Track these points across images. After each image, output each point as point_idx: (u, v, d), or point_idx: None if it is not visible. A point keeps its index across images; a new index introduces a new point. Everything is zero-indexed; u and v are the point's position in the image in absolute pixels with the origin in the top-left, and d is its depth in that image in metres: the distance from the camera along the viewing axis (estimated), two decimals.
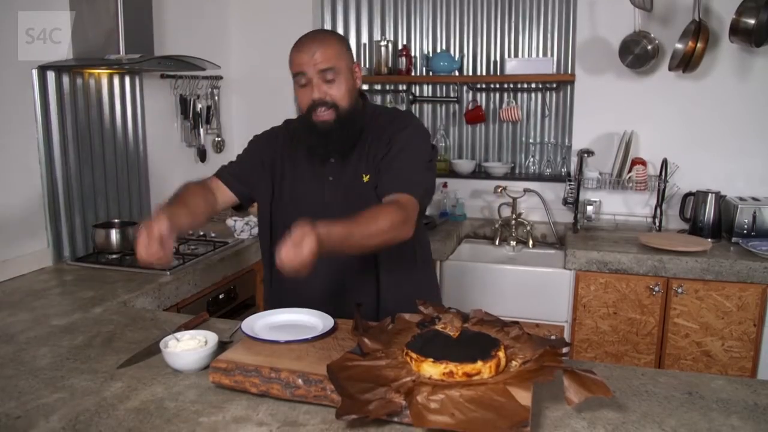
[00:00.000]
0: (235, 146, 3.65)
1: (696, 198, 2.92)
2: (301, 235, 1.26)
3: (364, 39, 3.59)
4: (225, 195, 1.78)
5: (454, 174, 3.42)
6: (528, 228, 3.18)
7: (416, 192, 1.57)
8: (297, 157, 1.72)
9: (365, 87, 3.62)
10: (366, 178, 1.63)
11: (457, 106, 3.49)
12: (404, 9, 3.52)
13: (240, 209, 1.86)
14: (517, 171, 3.44)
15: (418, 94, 3.54)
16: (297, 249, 1.25)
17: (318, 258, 1.28)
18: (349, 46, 1.65)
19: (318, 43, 1.55)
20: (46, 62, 2.27)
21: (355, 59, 1.67)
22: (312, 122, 1.58)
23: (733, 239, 2.77)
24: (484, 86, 3.42)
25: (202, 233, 2.79)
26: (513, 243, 3.17)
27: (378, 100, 3.63)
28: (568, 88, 3.30)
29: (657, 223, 3.04)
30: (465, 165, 3.41)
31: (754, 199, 2.88)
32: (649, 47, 2.95)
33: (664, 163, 2.98)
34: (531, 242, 3.16)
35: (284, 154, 1.75)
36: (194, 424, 1.16)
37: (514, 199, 3.19)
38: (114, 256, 2.41)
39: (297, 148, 1.73)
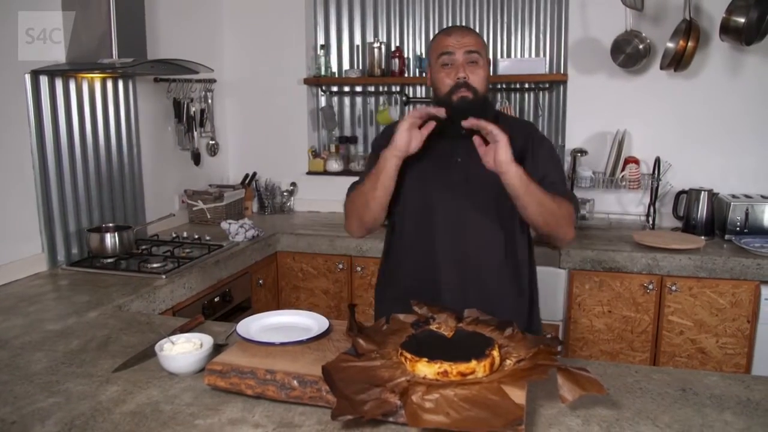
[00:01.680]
0: (229, 149, 3.66)
1: (689, 196, 2.94)
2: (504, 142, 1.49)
3: (357, 41, 3.60)
4: None
5: None
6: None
7: (576, 206, 1.75)
8: (427, 139, 1.71)
9: (358, 88, 3.63)
10: None
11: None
12: (397, 11, 3.53)
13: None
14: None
15: (411, 95, 3.55)
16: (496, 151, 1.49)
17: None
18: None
19: (466, 30, 1.70)
20: (40, 67, 2.27)
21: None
22: (451, 102, 1.65)
23: (726, 236, 2.79)
24: None
25: (196, 236, 2.79)
26: None
27: (372, 101, 3.64)
28: (561, 87, 3.31)
29: (650, 222, 3.05)
30: None
31: (747, 196, 2.89)
32: (641, 46, 2.96)
33: (657, 161, 2.99)
34: None
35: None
36: (190, 427, 1.17)
37: None
38: (109, 261, 2.41)
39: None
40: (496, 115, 1.79)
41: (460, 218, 1.71)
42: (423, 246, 1.73)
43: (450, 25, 3.44)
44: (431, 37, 3.47)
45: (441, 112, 1.58)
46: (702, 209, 2.87)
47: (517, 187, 1.54)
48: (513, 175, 1.52)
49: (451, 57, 1.65)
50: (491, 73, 3.31)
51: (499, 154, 1.51)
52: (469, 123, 1.53)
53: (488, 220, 1.71)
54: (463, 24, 3.42)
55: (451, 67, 1.65)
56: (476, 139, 1.57)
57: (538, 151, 1.75)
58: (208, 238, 2.78)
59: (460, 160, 1.71)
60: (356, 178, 1.82)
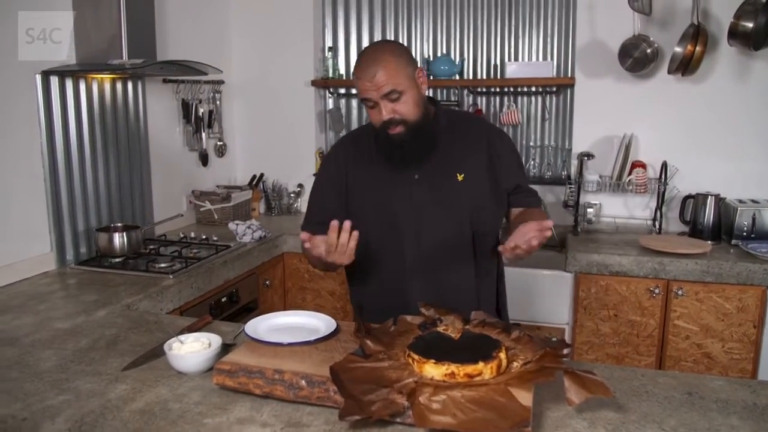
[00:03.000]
0: (237, 150, 3.67)
1: (696, 200, 2.93)
2: (541, 231, 1.40)
3: (365, 43, 3.61)
4: None
5: None
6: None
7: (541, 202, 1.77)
8: (373, 161, 1.73)
9: None
10: (461, 177, 1.68)
11: (457, 109, 3.50)
12: (405, 13, 3.53)
13: None
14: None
15: None
16: (530, 245, 1.41)
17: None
18: (409, 53, 1.66)
19: (374, 66, 1.56)
20: (50, 67, 2.29)
21: (418, 64, 1.68)
22: (388, 137, 1.63)
23: (733, 241, 2.78)
24: (484, 90, 3.43)
25: (204, 237, 2.80)
26: None
27: None
28: (568, 91, 3.31)
29: (657, 226, 3.05)
30: None
31: (754, 201, 2.89)
32: (649, 51, 2.96)
33: (664, 165, 2.99)
34: None
35: (356, 162, 1.77)
36: (199, 426, 1.18)
37: None
38: (117, 260, 2.42)
39: (372, 154, 1.74)
40: (446, 118, 1.74)
41: (429, 235, 1.69)
42: (390, 265, 1.71)
43: (449, 29, 3.45)
44: (439, 39, 3.50)
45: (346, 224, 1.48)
46: (709, 214, 2.86)
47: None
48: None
49: (371, 102, 1.59)
50: (499, 76, 3.37)
51: (529, 248, 1.43)
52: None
53: (459, 231, 1.70)
54: (469, 26, 3.43)
55: (375, 108, 1.60)
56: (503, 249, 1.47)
57: (501, 153, 1.74)
58: (215, 238, 2.79)
59: (418, 176, 1.69)
60: None
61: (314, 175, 3.49)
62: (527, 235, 1.41)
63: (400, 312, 1.51)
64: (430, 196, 1.68)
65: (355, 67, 1.62)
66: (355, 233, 1.47)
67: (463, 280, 1.73)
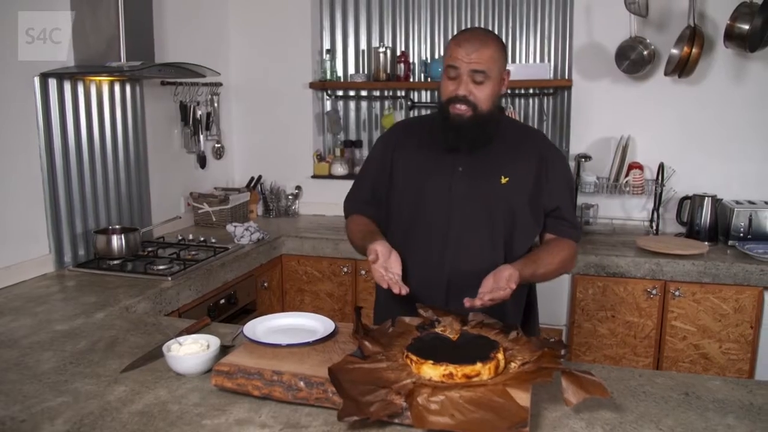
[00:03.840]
0: (235, 152, 3.67)
1: (692, 202, 2.94)
2: (507, 279, 1.49)
3: (363, 45, 3.62)
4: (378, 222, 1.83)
5: None
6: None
7: (578, 236, 1.78)
8: (421, 147, 1.73)
9: (363, 93, 3.64)
10: (504, 180, 1.67)
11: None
12: (402, 15, 3.54)
13: None
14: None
15: (416, 99, 3.57)
16: (499, 292, 1.48)
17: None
18: (506, 52, 1.68)
19: (479, 42, 1.57)
20: (48, 69, 2.29)
21: (507, 66, 1.70)
22: (446, 113, 1.62)
23: (730, 242, 2.79)
24: None
25: (202, 239, 2.80)
26: None
27: (377, 106, 3.65)
28: (565, 93, 3.32)
29: (654, 227, 3.06)
30: None
31: (750, 202, 2.90)
32: (645, 53, 2.97)
33: (661, 167, 3.00)
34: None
35: (403, 146, 1.77)
36: (197, 427, 1.18)
37: None
38: (115, 262, 2.42)
39: (421, 139, 1.75)
40: (504, 125, 1.74)
41: (461, 230, 1.67)
42: (423, 256, 1.69)
43: (447, 31, 3.46)
44: (436, 41, 3.51)
45: (404, 290, 1.54)
46: (705, 215, 2.87)
47: (529, 280, 1.66)
48: (522, 281, 1.56)
49: (457, 71, 1.59)
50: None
51: (497, 295, 1.50)
52: (468, 304, 1.48)
53: (491, 233, 1.68)
54: (462, 24, 3.43)
55: (456, 79, 1.59)
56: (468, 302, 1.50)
57: (551, 175, 1.71)
58: (213, 240, 2.79)
59: (462, 168, 1.68)
60: None
61: (312, 176, 3.49)
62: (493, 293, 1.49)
63: (427, 301, 1.55)
64: (469, 191, 1.67)
65: (458, 34, 1.63)
66: (404, 290, 1.53)
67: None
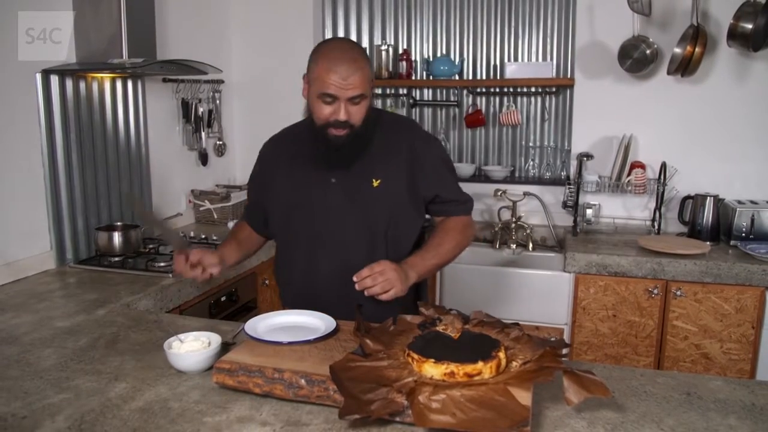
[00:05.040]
0: (237, 150, 3.67)
1: (694, 201, 2.94)
2: (382, 272, 1.53)
3: (365, 43, 3.61)
4: (258, 232, 1.95)
5: None
6: (528, 231, 3.20)
7: (471, 210, 1.83)
8: (294, 163, 1.77)
9: None
10: (376, 183, 1.69)
11: (457, 109, 3.51)
12: (405, 13, 3.54)
13: None
14: (516, 174, 3.46)
15: (418, 98, 3.56)
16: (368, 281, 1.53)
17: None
18: (371, 62, 1.70)
19: (352, 65, 1.54)
20: (50, 66, 2.29)
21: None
22: (325, 135, 1.62)
23: (732, 242, 2.79)
24: (484, 90, 3.44)
25: (203, 236, 2.80)
26: (513, 246, 3.19)
27: (378, 104, 3.65)
28: (568, 92, 3.32)
29: (656, 226, 3.06)
30: (465, 168, 3.43)
31: (752, 202, 2.89)
32: (648, 51, 2.97)
33: (663, 166, 3.00)
34: (531, 245, 3.17)
35: (277, 162, 1.82)
36: (198, 424, 1.18)
37: (514, 202, 3.20)
38: (116, 259, 2.42)
39: (293, 154, 1.78)
40: (377, 123, 1.72)
41: (341, 238, 1.71)
42: (305, 267, 1.74)
43: (449, 29, 3.46)
44: (439, 40, 3.50)
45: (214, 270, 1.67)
46: (707, 215, 2.87)
47: (428, 274, 1.72)
48: (419, 278, 1.65)
49: (333, 98, 1.56)
50: (498, 76, 3.37)
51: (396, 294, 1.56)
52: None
53: (372, 237, 1.71)
54: (469, 26, 3.44)
55: (332, 104, 1.57)
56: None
57: (424, 163, 1.73)
58: (215, 237, 2.79)
59: (335, 180, 1.70)
60: None
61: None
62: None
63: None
64: (344, 201, 1.70)
65: (325, 59, 1.56)
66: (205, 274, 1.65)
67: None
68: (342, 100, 1.56)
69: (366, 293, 1.53)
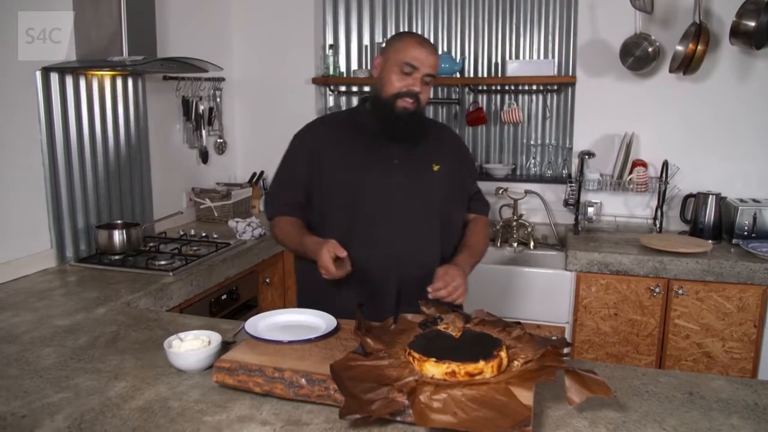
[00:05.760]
0: (237, 147, 3.67)
1: (696, 199, 2.93)
2: (453, 281, 1.61)
3: (366, 41, 3.60)
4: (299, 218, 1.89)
5: None
6: (529, 229, 3.19)
7: (488, 210, 2.03)
8: (351, 143, 1.80)
9: (366, 88, 3.63)
10: (436, 168, 1.81)
11: (458, 107, 3.50)
12: (405, 11, 3.53)
13: None
14: (518, 172, 3.45)
15: None
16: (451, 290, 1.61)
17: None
18: None
19: (432, 48, 1.74)
20: (50, 63, 2.28)
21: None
22: (393, 107, 1.72)
23: (734, 241, 2.78)
24: (485, 88, 3.43)
25: (204, 234, 2.80)
26: (514, 244, 3.18)
27: None
28: (569, 89, 3.31)
29: (658, 225, 3.05)
30: None
31: (755, 200, 2.89)
32: (650, 49, 2.96)
33: (665, 164, 2.99)
34: (532, 243, 3.17)
35: (326, 143, 1.83)
36: (198, 423, 1.17)
37: (515, 200, 3.20)
38: (117, 257, 2.42)
39: (352, 135, 1.82)
40: (427, 121, 1.92)
41: (402, 218, 1.75)
42: (363, 245, 1.73)
43: (450, 27, 3.45)
44: (440, 37, 3.49)
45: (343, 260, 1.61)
46: (709, 213, 2.86)
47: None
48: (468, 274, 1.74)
49: (414, 70, 1.70)
50: (500, 74, 3.37)
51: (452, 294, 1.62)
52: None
53: (430, 219, 1.78)
54: (470, 24, 3.43)
55: (410, 76, 1.70)
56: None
57: (467, 162, 1.96)
58: (215, 236, 2.79)
59: (398, 161, 1.77)
60: None
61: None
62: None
63: (363, 293, 1.69)
64: (406, 181, 1.76)
65: (414, 36, 1.77)
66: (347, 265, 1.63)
67: (428, 263, 1.74)
68: (420, 73, 1.70)
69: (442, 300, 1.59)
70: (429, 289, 1.59)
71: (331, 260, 1.57)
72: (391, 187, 1.75)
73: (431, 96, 1.95)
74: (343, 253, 1.57)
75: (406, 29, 3.54)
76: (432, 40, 3.48)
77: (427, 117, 2.01)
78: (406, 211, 1.76)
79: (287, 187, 1.88)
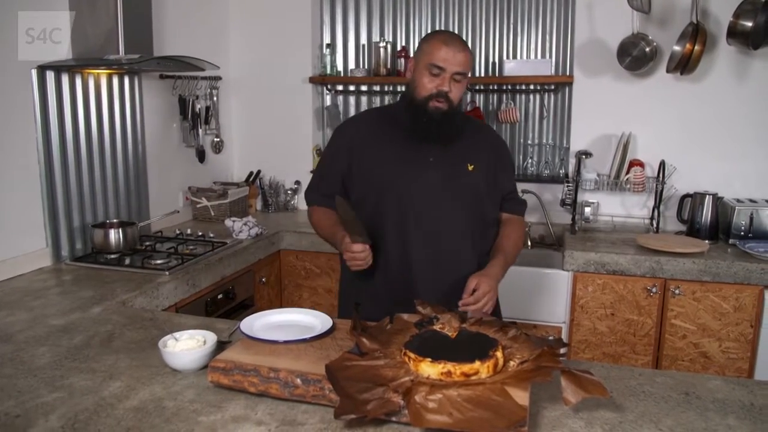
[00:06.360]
0: (234, 147, 3.66)
1: (693, 199, 2.93)
2: (484, 295, 1.66)
3: (363, 40, 3.60)
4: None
5: None
6: (526, 229, 3.18)
7: (524, 210, 2.01)
8: (389, 141, 1.82)
9: (363, 88, 3.63)
10: (471, 168, 1.81)
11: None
12: (403, 10, 3.52)
13: None
14: (515, 172, 3.44)
15: None
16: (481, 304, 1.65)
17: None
18: None
19: (461, 45, 1.73)
20: (46, 62, 2.27)
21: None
22: (426, 108, 1.73)
23: (730, 241, 2.78)
24: (482, 87, 3.42)
25: (200, 233, 2.79)
26: None
27: (377, 101, 3.64)
28: (567, 89, 3.30)
29: (654, 225, 3.05)
30: None
31: (751, 200, 2.89)
32: (647, 49, 2.96)
33: (662, 164, 2.99)
34: (529, 243, 3.16)
35: (364, 138, 1.85)
36: (193, 424, 1.17)
37: None
38: (112, 256, 2.41)
39: (391, 132, 1.83)
40: (463, 120, 1.89)
41: (436, 216, 1.77)
42: (397, 243, 1.77)
43: (448, 26, 3.44)
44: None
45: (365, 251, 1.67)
46: (706, 213, 2.86)
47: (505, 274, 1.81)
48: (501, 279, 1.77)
49: (442, 71, 1.70)
50: (497, 74, 3.37)
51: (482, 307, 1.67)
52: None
53: (464, 218, 1.80)
54: (468, 24, 3.42)
55: (438, 77, 1.71)
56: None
57: (504, 162, 1.92)
58: (211, 235, 2.78)
59: (433, 159, 1.78)
60: None
61: (312, 171, 3.48)
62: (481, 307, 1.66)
63: (398, 293, 1.69)
64: (441, 179, 1.78)
65: (442, 36, 1.74)
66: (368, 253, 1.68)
67: (462, 266, 1.78)
68: (448, 73, 1.70)
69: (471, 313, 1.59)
70: (459, 303, 1.63)
71: (352, 257, 1.66)
72: (426, 185, 1.77)
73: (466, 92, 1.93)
74: (357, 248, 1.65)
75: (404, 28, 3.53)
76: None
77: (465, 115, 2.02)
78: (440, 209, 1.77)
79: (326, 178, 1.92)
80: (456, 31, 3.45)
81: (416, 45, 3.51)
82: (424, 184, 1.77)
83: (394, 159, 1.79)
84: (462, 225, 1.80)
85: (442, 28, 3.48)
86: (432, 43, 1.72)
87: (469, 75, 1.82)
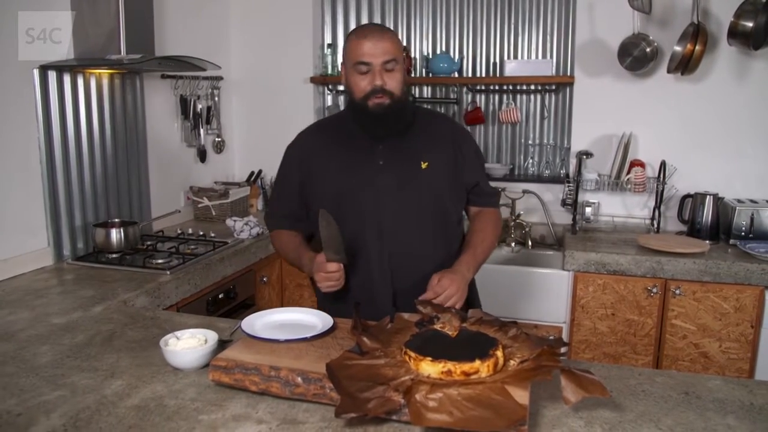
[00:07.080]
0: (235, 146, 3.66)
1: (694, 200, 2.93)
2: (445, 289, 1.58)
3: None
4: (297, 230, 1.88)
5: None
6: (527, 229, 3.19)
7: (497, 202, 1.93)
8: (337, 149, 1.78)
9: None
10: (425, 165, 1.73)
11: (456, 107, 3.50)
12: (404, 10, 3.53)
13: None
14: (516, 172, 3.45)
15: (417, 95, 3.55)
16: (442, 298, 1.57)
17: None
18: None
19: (381, 34, 1.65)
20: (48, 62, 2.28)
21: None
22: (366, 108, 1.67)
23: (731, 241, 2.78)
24: (483, 88, 3.43)
25: (201, 233, 2.80)
26: (512, 244, 3.18)
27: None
28: (567, 89, 3.31)
29: (655, 225, 3.05)
30: None
31: (752, 201, 2.89)
32: (648, 49, 2.96)
33: (663, 165, 2.99)
34: (530, 243, 3.17)
35: (316, 151, 1.81)
36: (194, 422, 1.17)
37: (513, 200, 3.20)
38: (114, 256, 2.41)
39: (337, 140, 1.79)
40: (414, 112, 1.81)
41: (393, 222, 1.71)
42: (361, 253, 1.72)
43: (449, 27, 3.45)
44: (438, 37, 3.49)
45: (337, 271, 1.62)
46: (707, 213, 2.86)
47: (477, 271, 1.76)
48: (473, 275, 1.73)
49: (368, 66, 1.63)
50: (498, 74, 3.36)
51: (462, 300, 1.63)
52: (420, 306, 1.50)
53: (421, 219, 1.73)
54: (469, 24, 3.43)
55: (368, 74, 1.65)
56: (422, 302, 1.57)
57: (465, 153, 1.81)
58: (213, 234, 2.79)
59: (383, 162, 1.72)
60: None
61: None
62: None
63: (361, 297, 1.64)
64: (393, 182, 1.71)
65: (358, 32, 1.67)
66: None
67: (424, 266, 1.70)
68: (376, 66, 1.63)
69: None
70: (417, 300, 1.53)
71: (326, 278, 1.61)
72: (379, 190, 1.70)
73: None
74: (332, 268, 1.59)
75: (405, 28, 3.54)
76: (431, 40, 3.51)
77: (418, 106, 1.92)
78: (395, 214, 1.71)
79: (283, 199, 1.89)
80: (457, 32, 3.46)
81: (416, 45, 3.54)
82: (376, 190, 1.70)
83: (343, 167, 1.74)
84: (423, 228, 1.73)
85: (436, 29, 3.49)
86: (351, 42, 1.66)
87: (406, 60, 1.75)
